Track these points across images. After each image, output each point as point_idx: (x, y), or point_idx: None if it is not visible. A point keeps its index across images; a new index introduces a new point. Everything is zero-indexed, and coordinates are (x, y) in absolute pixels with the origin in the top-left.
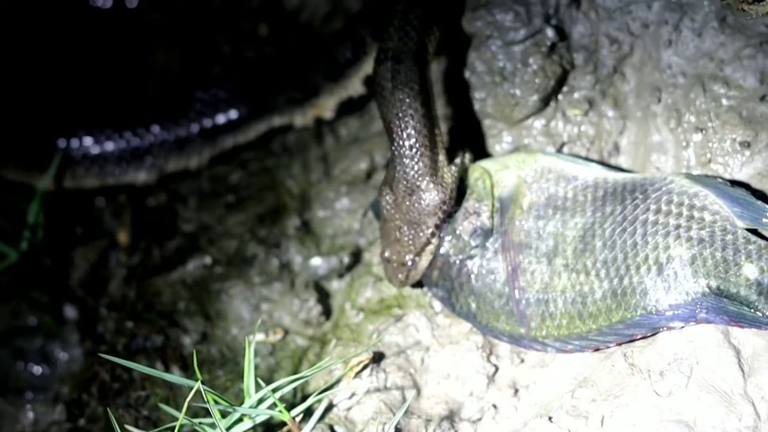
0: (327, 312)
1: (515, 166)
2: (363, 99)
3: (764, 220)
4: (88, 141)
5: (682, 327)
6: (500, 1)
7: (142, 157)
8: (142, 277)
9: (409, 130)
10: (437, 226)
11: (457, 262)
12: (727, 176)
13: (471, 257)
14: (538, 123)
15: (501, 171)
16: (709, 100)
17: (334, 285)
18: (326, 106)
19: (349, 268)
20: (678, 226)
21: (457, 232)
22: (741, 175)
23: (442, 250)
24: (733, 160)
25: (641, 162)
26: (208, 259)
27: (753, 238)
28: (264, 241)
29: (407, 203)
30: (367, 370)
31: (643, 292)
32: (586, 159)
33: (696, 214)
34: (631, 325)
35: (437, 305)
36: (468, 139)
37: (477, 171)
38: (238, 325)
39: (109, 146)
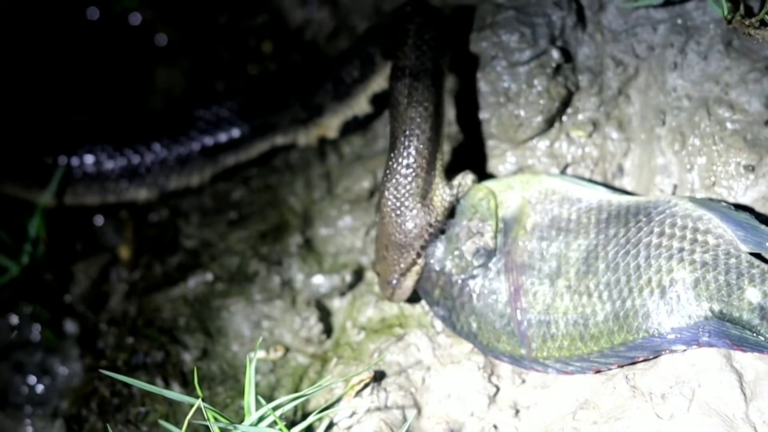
0: (328, 330)
1: (519, 186)
2: (368, 118)
3: None
4: (89, 158)
5: (684, 350)
6: (506, 22)
7: (144, 175)
8: (143, 293)
9: (410, 150)
10: (422, 248)
11: (459, 281)
12: (731, 200)
13: (473, 277)
14: (542, 144)
15: (505, 191)
16: (713, 124)
17: (336, 303)
18: (330, 126)
19: (351, 286)
20: (681, 249)
21: (460, 251)
22: (745, 199)
23: (444, 269)
24: (737, 184)
25: (645, 184)
26: (209, 276)
27: (756, 262)
28: (266, 258)
29: (394, 223)
30: (368, 389)
31: (645, 315)
32: (590, 181)
33: (700, 237)
34: (633, 348)
35: (438, 325)
36: (472, 158)
37: (481, 191)
38: (238, 342)
39: (110, 164)
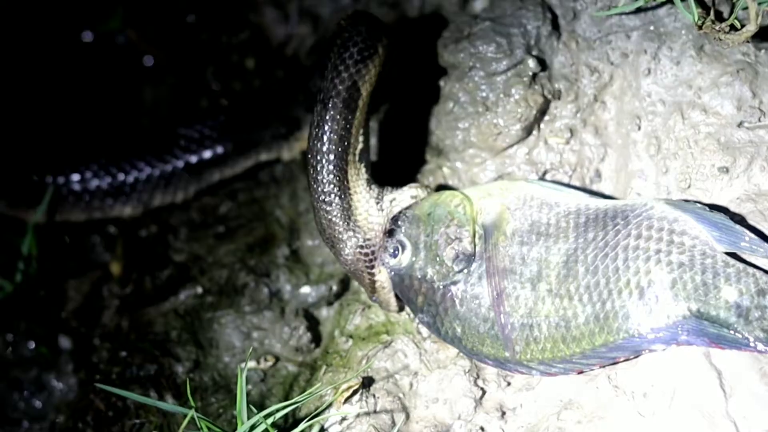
0: (317, 339)
1: (498, 193)
2: None
3: (743, 243)
4: (75, 177)
5: (664, 349)
6: (482, 33)
7: (128, 193)
8: (135, 308)
9: (320, 181)
10: (369, 268)
11: (441, 287)
12: (707, 201)
13: (455, 282)
14: (521, 151)
15: (484, 198)
16: (687, 127)
17: (324, 312)
18: None
19: (338, 295)
20: (658, 251)
21: (440, 258)
22: (720, 200)
23: (426, 277)
24: (712, 186)
25: (622, 188)
26: (199, 289)
27: (732, 261)
28: (254, 270)
29: (336, 254)
30: (357, 396)
31: (625, 316)
32: (568, 186)
33: (676, 238)
34: (613, 348)
35: (424, 331)
36: (452, 168)
37: (457, 197)
38: (229, 353)
39: (96, 182)
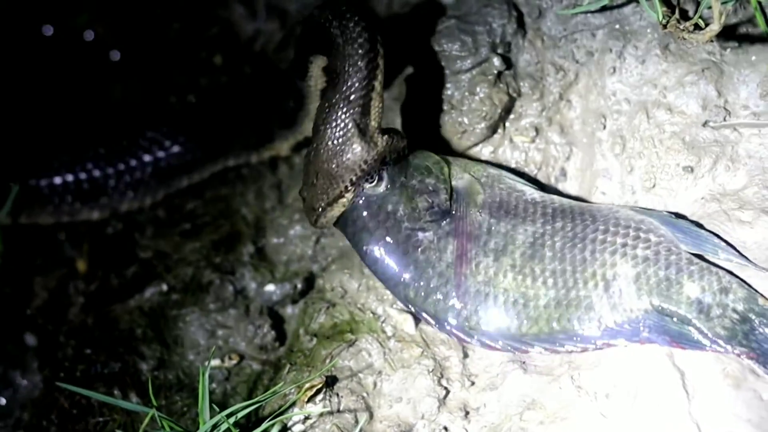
0: (281, 337)
1: (470, 168)
2: None
3: (707, 246)
4: (43, 181)
5: (626, 345)
6: (447, 31)
7: (97, 197)
8: (101, 305)
9: (355, 81)
10: (352, 182)
11: (408, 229)
12: (672, 200)
13: (423, 230)
14: (486, 150)
15: (458, 167)
16: (652, 126)
17: (288, 311)
18: (282, 148)
19: (303, 294)
20: (625, 245)
21: (414, 202)
22: (685, 199)
23: (396, 214)
24: (677, 185)
25: (587, 187)
26: (164, 287)
27: (695, 259)
28: (219, 268)
29: (330, 151)
30: (321, 395)
31: (588, 306)
32: (534, 182)
33: (642, 235)
34: (571, 336)
35: (389, 330)
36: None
37: (434, 157)
38: (194, 351)
39: (64, 186)
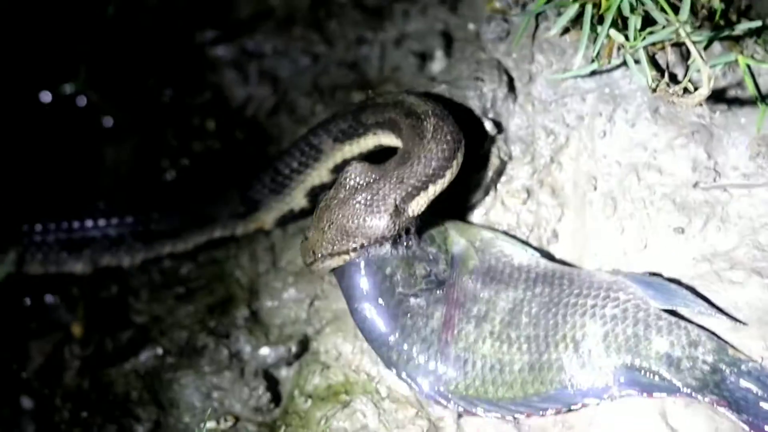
0: (276, 399)
1: (468, 232)
2: (304, 213)
3: (677, 300)
4: (36, 228)
5: (597, 404)
6: (439, 96)
7: (81, 250)
8: (96, 368)
9: (420, 170)
10: (362, 247)
11: (401, 294)
12: (663, 261)
13: (416, 296)
14: (478, 212)
15: (454, 229)
16: (643, 188)
17: (283, 373)
18: (267, 221)
19: (298, 356)
20: (594, 305)
21: (413, 269)
22: (677, 260)
23: (393, 277)
24: (668, 246)
25: (579, 248)
26: (159, 350)
27: (664, 315)
28: (214, 331)
29: (355, 208)
30: None
31: (559, 368)
32: (522, 241)
33: (612, 294)
34: (546, 399)
35: (384, 391)
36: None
37: (440, 227)
38: (190, 413)
39: (52, 236)
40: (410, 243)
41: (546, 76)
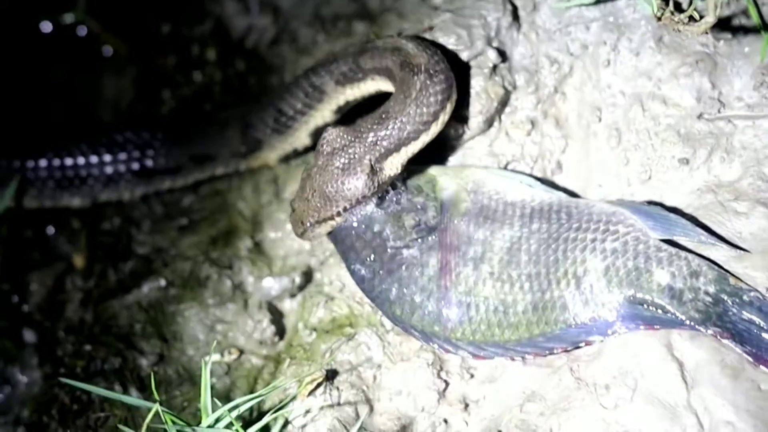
0: (280, 332)
1: (458, 175)
2: (307, 150)
3: (677, 230)
4: (30, 163)
5: (601, 340)
6: (443, 25)
7: (79, 186)
8: (99, 301)
9: (394, 132)
10: (345, 209)
11: (394, 248)
12: (668, 192)
13: (408, 247)
14: (482, 143)
15: (443, 176)
16: (648, 119)
17: (287, 305)
18: (270, 159)
19: (301, 288)
20: (594, 240)
21: (401, 221)
22: (681, 191)
23: (381, 233)
24: (672, 177)
25: (584, 180)
26: (162, 282)
27: (664, 246)
28: (217, 262)
29: (334, 174)
30: (321, 388)
31: (562, 306)
32: (530, 176)
33: (611, 227)
34: (551, 339)
35: (388, 323)
36: (414, 158)
37: (427, 175)
38: (193, 346)
39: (48, 171)
40: (396, 198)
41: (550, 5)
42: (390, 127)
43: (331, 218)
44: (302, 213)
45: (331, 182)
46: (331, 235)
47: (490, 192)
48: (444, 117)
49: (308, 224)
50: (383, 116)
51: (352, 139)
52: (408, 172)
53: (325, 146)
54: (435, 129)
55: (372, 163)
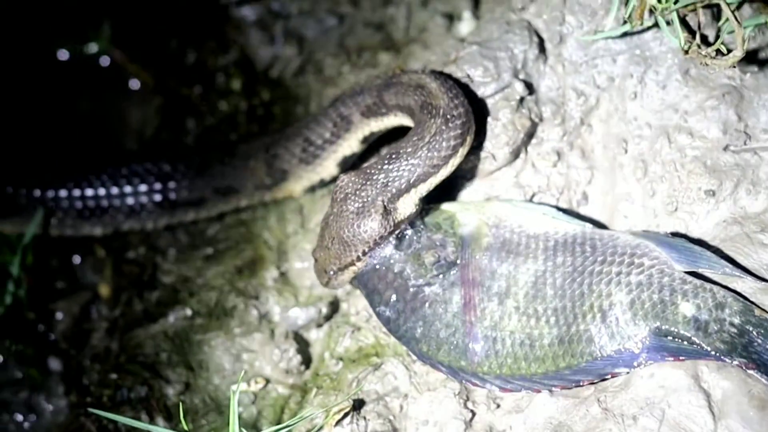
0: (307, 361)
1: (478, 209)
2: (334, 180)
3: (702, 262)
4: (49, 193)
5: (628, 372)
6: (469, 57)
7: (100, 215)
8: (125, 330)
9: (405, 172)
10: (365, 253)
11: (415, 286)
12: (694, 223)
13: (429, 284)
14: (508, 174)
15: (463, 212)
16: (674, 151)
17: (313, 335)
18: (296, 190)
19: (328, 318)
20: (619, 273)
21: (421, 259)
22: (707, 223)
23: (402, 273)
24: (699, 209)
25: (609, 211)
26: (188, 311)
27: (689, 278)
28: (243, 292)
29: (349, 219)
30: (348, 418)
31: (588, 339)
32: (553, 207)
33: (636, 260)
34: (577, 371)
35: None
36: (441, 189)
37: (445, 213)
38: (219, 375)
39: (68, 201)
40: (415, 237)
41: (577, 38)
42: (401, 168)
43: (352, 263)
44: (324, 262)
45: (348, 227)
46: (355, 280)
47: (513, 225)
48: (455, 161)
49: (331, 272)
50: (394, 157)
51: (364, 182)
52: (427, 210)
53: (338, 193)
54: (445, 172)
55: (385, 203)
